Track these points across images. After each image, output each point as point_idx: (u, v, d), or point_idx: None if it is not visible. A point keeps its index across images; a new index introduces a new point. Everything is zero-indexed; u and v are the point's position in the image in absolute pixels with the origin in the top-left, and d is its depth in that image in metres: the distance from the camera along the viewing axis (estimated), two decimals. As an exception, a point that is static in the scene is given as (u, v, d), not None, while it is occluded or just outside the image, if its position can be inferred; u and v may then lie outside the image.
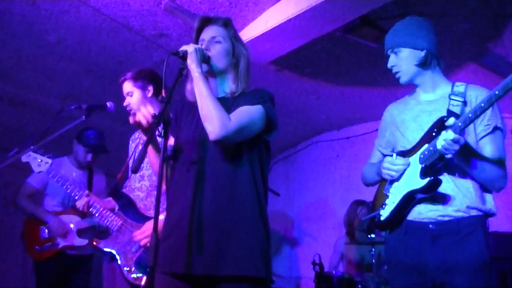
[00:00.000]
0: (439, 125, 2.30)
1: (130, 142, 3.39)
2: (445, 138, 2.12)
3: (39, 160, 3.60)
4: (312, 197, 6.88)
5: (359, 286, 4.49)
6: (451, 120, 2.16)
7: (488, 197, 2.36)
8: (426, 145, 2.33)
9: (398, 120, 2.59)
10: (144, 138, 3.22)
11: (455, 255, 2.23)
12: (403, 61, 2.47)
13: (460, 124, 2.11)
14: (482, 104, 2.04)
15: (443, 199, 2.30)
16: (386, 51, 2.53)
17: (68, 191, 3.60)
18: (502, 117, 2.38)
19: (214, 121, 2.04)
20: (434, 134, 2.29)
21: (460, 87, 2.42)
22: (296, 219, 7.04)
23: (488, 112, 2.31)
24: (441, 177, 2.30)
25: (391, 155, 2.54)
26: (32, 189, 4.39)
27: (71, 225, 4.29)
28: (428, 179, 2.28)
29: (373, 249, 4.54)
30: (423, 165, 2.33)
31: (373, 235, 4.61)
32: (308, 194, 6.96)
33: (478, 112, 2.07)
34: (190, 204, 2.07)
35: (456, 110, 2.33)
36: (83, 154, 4.49)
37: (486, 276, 2.24)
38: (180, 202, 2.12)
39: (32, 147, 3.50)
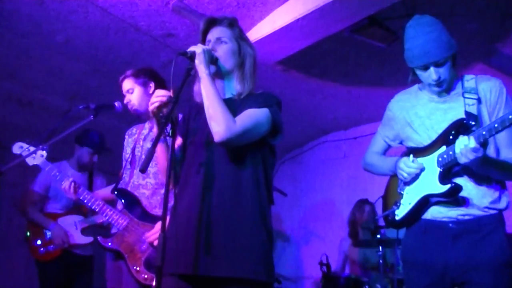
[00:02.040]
0: (458, 128, 2.28)
1: (127, 136, 3.39)
2: (466, 144, 2.11)
3: (33, 151, 3.38)
4: (319, 197, 6.87)
5: (366, 287, 4.48)
6: (472, 142, 2.11)
7: (504, 194, 2.35)
8: (444, 147, 2.31)
9: (411, 115, 2.53)
10: (145, 133, 3.24)
11: (477, 254, 2.22)
12: (448, 70, 2.35)
13: (484, 133, 2.10)
14: (510, 116, 2.02)
15: (463, 201, 2.28)
16: (425, 64, 2.34)
17: (57, 178, 3.39)
18: None
19: (219, 123, 2.04)
20: (452, 137, 2.27)
21: (470, 81, 2.39)
22: (303, 219, 7.03)
23: (503, 105, 2.31)
24: (462, 179, 2.29)
25: (400, 146, 2.54)
26: (36, 195, 4.37)
27: (74, 227, 4.30)
28: (449, 185, 2.27)
29: (380, 250, 4.53)
30: (441, 169, 2.32)
31: (378, 236, 4.60)
32: (315, 194, 6.95)
33: (507, 123, 2.04)
34: (197, 206, 2.08)
35: (473, 110, 2.30)
36: (88, 155, 4.50)
37: (510, 274, 2.23)
38: (187, 203, 2.13)
39: (27, 140, 3.42)
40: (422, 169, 2.39)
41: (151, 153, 1.85)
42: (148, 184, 3.06)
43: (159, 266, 1.78)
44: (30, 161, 3.42)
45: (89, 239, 4.28)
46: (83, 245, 4.32)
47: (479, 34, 4.11)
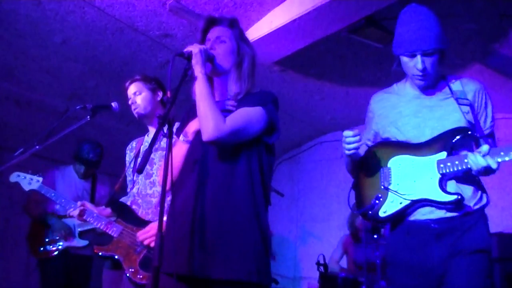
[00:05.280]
0: (463, 137, 2.26)
1: (128, 151, 3.41)
2: (485, 166, 2.11)
3: (29, 179, 3.63)
4: (317, 197, 6.87)
5: (364, 287, 4.48)
6: (485, 148, 2.12)
7: (484, 192, 2.35)
8: (444, 153, 2.27)
9: (394, 114, 2.48)
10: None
11: (458, 247, 2.21)
12: (435, 65, 2.31)
13: (502, 153, 2.11)
14: None
15: (463, 207, 2.25)
16: (413, 51, 2.30)
17: (62, 205, 3.60)
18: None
19: (208, 122, 2.04)
20: (455, 145, 2.26)
21: (456, 83, 2.38)
22: (300, 219, 7.04)
23: (488, 109, 2.36)
24: (450, 182, 2.27)
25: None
26: (39, 194, 4.41)
27: (72, 230, 4.44)
28: (455, 197, 2.22)
29: (377, 250, 4.53)
30: (441, 175, 2.26)
31: (375, 236, 4.60)
32: (312, 194, 6.96)
33: None
34: (191, 205, 2.07)
35: (470, 118, 2.30)
36: (83, 170, 4.69)
37: (485, 260, 2.22)
38: (183, 202, 2.12)
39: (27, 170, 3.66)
40: (359, 136, 2.35)
41: (147, 154, 1.85)
42: (155, 193, 3.08)
43: (156, 267, 1.77)
44: (26, 186, 3.65)
45: (85, 242, 4.45)
46: (81, 248, 4.46)
47: (476, 34, 4.12)
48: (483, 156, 2.11)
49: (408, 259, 2.31)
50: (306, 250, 6.73)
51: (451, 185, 2.27)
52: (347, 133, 2.36)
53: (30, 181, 3.63)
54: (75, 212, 3.22)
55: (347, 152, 2.42)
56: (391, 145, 2.47)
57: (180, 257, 2.01)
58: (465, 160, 2.17)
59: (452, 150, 2.25)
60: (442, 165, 2.26)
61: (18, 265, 5.64)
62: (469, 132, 2.26)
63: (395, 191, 2.39)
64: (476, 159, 2.13)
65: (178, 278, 2.04)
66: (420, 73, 2.31)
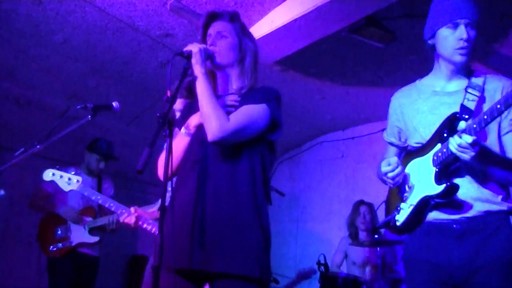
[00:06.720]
0: (451, 123, 2.13)
1: None
2: (459, 143, 1.98)
3: (67, 179, 3.49)
4: (317, 197, 6.87)
5: (364, 287, 4.48)
6: (462, 124, 2.01)
7: (510, 199, 2.21)
8: (439, 145, 2.17)
9: (411, 110, 2.37)
10: None
11: (482, 253, 2.09)
12: (474, 40, 2.21)
13: (475, 126, 1.96)
14: (498, 106, 1.88)
15: (466, 206, 2.14)
16: (458, 18, 2.20)
17: (112, 209, 3.38)
18: None
19: (212, 122, 2.03)
20: (446, 133, 2.13)
21: (478, 79, 2.25)
22: (300, 219, 7.03)
23: None
24: (463, 180, 2.14)
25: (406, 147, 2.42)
26: (46, 192, 4.51)
27: (82, 228, 4.45)
28: (444, 185, 2.12)
29: (378, 250, 4.53)
30: (437, 169, 2.17)
31: (376, 236, 4.60)
32: (313, 194, 6.95)
33: (496, 114, 1.91)
34: (193, 202, 2.07)
35: (471, 105, 2.15)
36: (96, 162, 4.68)
37: None
38: (183, 200, 2.12)
39: (58, 166, 3.56)
40: (397, 166, 2.27)
41: (148, 153, 1.85)
42: None
43: (156, 266, 1.77)
44: (65, 187, 3.53)
45: (96, 238, 4.46)
46: (90, 244, 4.49)
47: (477, 33, 4.11)
48: (460, 133, 2.00)
49: (428, 259, 2.21)
50: (307, 250, 6.73)
51: (462, 183, 2.14)
52: (385, 169, 2.30)
53: (68, 181, 3.50)
54: (132, 219, 3.12)
55: (393, 186, 2.37)
56: (412, 151, 2.40)
57: (183, 252, 2.01)
58: (449, 145, 2.06)
59: (446, 140, 2.11)
60: (435, 158, 2.19)
61: (18, 264, 5.63)
62: (457, 115, 2.13)
63: (405, 197, 2.35)
64: (453, 139, 2.01)
65: (180, 274, 2.05)
66: (465, 44, 2.21)
